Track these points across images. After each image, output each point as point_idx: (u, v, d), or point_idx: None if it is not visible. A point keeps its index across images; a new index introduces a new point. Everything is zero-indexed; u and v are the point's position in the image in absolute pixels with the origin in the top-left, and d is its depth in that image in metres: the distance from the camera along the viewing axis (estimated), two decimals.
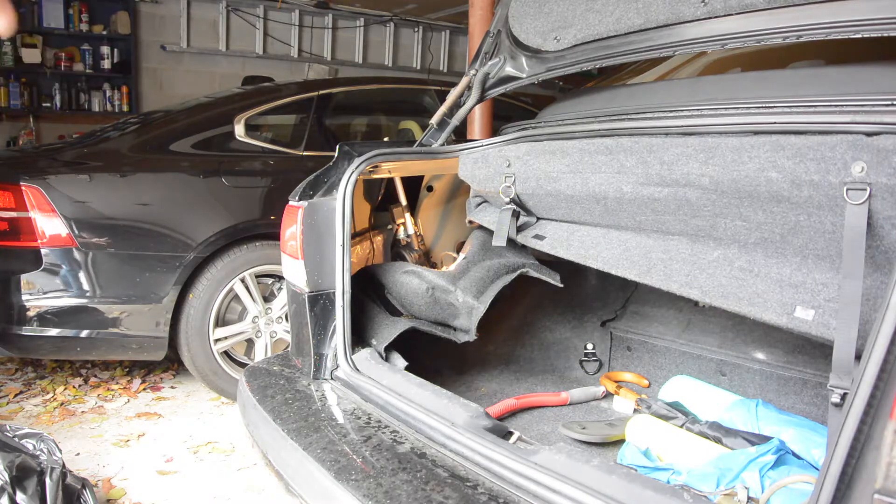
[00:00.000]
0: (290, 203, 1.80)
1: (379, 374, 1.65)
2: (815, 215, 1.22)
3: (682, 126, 1.43)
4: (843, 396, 1.06)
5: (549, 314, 2.39)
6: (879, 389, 0.81)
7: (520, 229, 1.91)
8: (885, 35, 1.18)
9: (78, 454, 2.61)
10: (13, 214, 2.70)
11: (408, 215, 2.35)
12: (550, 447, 1.23)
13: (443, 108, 2.08)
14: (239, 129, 3.20)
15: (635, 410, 1.85)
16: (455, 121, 2.09)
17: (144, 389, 3.30)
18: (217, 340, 3.02)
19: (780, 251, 1.34)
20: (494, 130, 3.38)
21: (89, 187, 2.78)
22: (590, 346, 2.28)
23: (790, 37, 1.31)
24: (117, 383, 3.37)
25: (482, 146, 1.97)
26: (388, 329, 1.87)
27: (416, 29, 8.52)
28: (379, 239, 2.25)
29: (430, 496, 1.21)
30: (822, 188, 1.18)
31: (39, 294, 2.72)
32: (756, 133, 1.29)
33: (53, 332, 2.74)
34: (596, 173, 1.59)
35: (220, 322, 3.04)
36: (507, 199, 1.86)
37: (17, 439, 1.86)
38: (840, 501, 0.84)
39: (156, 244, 2.84)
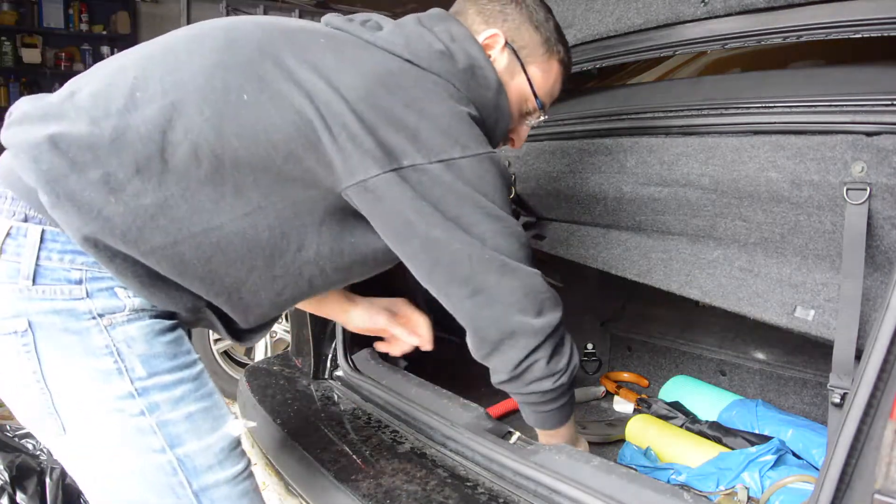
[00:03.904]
0: None
1: (379, 374, 1.65)
2: (815, 215, 1.22)
3: (682, 126, 1.43)
4: (843, 396, 1.06)
5: None
6: (879, 389, 0.81)
7: None
8: (885, 35, 1.18)
9: None
10: None
11: None
12: (550, 447, 1.23)
13: None
14: None
15: (635, 410, 1.85)
16: None
17: None
18: (217, 340, 3.02)
19: (780, 251, 1.34)
20: None
21: None
22: (590, 346, 2.28)
23: (790, 37, 1.31)
24: None
25: None
26: None
27: None
28: None
29: (430, 496, 1.21)
30: (822, 188, 1.18)
31: None
32: (756, 133, 1.29)
33: None
34: (596, 173, 1.59)
35: None
36: None
37: (17, 439, 1.86)
38: (840, 501, 0.84)
39: None
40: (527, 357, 1.07)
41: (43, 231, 0.90)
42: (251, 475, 1.06)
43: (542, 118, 1.25)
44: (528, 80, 1.17)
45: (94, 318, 0.92)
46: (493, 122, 1.11)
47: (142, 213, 0.89)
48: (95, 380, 0.93)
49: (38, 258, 0.90)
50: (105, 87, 0.93)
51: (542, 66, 1.19)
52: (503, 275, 1.02)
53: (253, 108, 0.92)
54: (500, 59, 1.14)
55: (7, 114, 0.96)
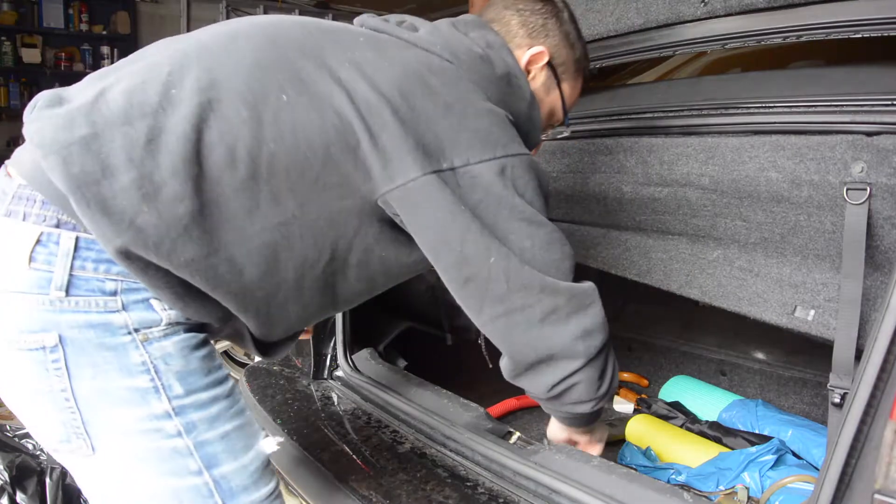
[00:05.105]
0: None
1: (379, 374, 1.65)
2: (815, 215, 1.22)
3: (682, 126, 1.43)
4: (843, 396, 1.06)
5: None
6: (879, 389, 0.81)
7: None
8: (885, 35, 1.18)
9: None
10: None
11: None
12: (550, 447, 1.23)
13: None
14: None
15: (635, 410, 1.85)
16: None
17: None
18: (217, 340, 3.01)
19: (780, 251, 1.34)
20: None
21: None
22: None
23: (790, 37, 1.31)
24: None
25: None
26: (388, 329, 1.87)
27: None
28: None
29: (430, 496, 1.21)
30: (822, 188, 1.18)
31: None
32: (756, 133, 1.29)
33: None
34: (596, 173, 1.59)
35: None
36: None
37: (17, 439, 1.86)
38: (840, 501, 0.84)
39: None
40: (564, 380, 1.04)
41: (77, 238, 0.84)
42: (280, 495, 1.03)
43: (564, 133, 1.29)
44: (562, 96, 1.18)
45: (129, 332, 0.87)
46: (525, 132, 1.08)
47: (175, 224, 0.83)
48: (131, 398, 0.88)
49: (71, 267, 0.84)
50: (139, 83, 0.87)
51: (571, 82, 1.20)
52: (543, 293, 0.99)
53: (292, 109, 0.88)
54: (539, 76, 1.14)
55: (30, 105, 0.91)
